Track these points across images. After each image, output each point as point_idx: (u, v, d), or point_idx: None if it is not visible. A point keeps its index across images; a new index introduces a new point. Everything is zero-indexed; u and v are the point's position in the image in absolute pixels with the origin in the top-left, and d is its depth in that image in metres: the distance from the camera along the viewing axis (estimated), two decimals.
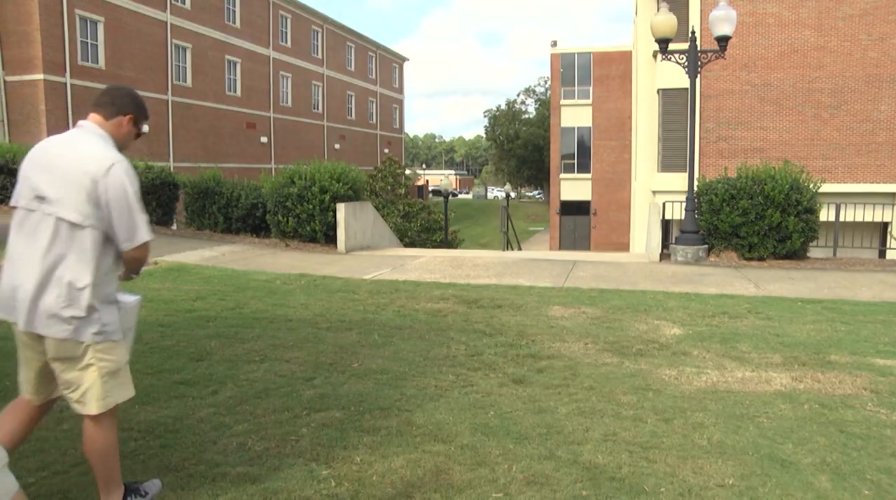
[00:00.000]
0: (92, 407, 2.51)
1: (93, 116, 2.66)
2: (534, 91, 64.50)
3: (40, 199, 2.50)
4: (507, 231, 24.15)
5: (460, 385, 4.22)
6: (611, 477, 2.95)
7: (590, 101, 35.27)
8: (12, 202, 2.63)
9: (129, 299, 2.73)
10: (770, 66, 18.86)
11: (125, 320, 2.65)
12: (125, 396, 2.63)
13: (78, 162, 2.48)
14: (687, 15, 18.15)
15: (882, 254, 13.84)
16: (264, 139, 35.54)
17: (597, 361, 4.80)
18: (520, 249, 27.55)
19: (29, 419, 2.67)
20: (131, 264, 2.67)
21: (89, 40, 24.47)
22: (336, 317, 6.12)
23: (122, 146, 2.69)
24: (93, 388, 2.50)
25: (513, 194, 57.90)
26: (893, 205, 15.99)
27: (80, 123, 2.66)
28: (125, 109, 2.71)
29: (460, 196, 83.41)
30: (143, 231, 2.56)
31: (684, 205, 10.42)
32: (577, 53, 35.68)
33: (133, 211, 2.53)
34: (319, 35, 41.62)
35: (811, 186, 10.01)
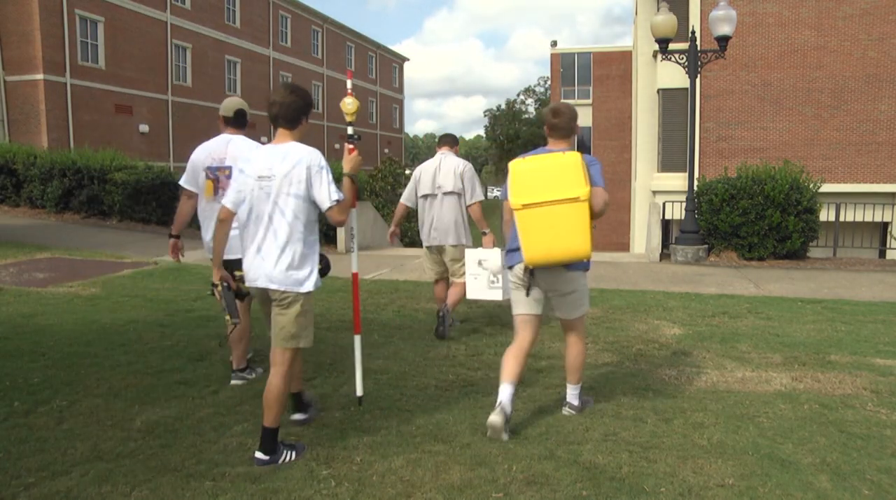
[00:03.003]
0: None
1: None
2: (534, 91, 64.48)
3: None
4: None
5: (460, 385, 4.22)
6: (611, 477, 2.95)
7: (590, 101, 35.26)
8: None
9: None
10: (770, 66, 18.86)
11: None
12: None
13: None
14: (687, 15, 18.14)
15: (882, 254, 13.84)
16: (265, 139, 35.37)
17: (597, 361, 4.81)
18: None
19: None
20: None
21: (89, 40, 24.47)
22: (336, 317, 6.12)
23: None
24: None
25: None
26: (893, 205, 15.99)
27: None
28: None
29: None
30: None
31: (684, 205, 10.42)
32: (577, 53, 35.69)
33: None
34: (319, 35, 41.63)
35: (811, 186, 10.02)
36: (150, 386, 4.11)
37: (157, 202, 12.93)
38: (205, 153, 4.36)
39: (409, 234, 14.30)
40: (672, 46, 10.54)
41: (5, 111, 23.04)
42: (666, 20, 10.27)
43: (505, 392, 3.43)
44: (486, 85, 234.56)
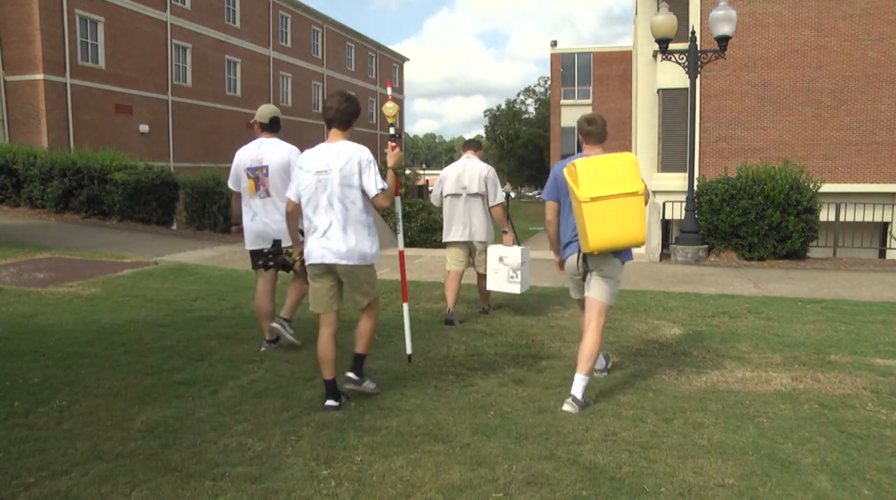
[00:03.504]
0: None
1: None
2: (534, 91, 64.49)
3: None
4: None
5: (460, 385, 4.22)
6: (611, 477, 2.95)
7: (590, 101, 35.27)
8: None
9: None
10: (770, 66, 18.85)
11: None
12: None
13: None
14: (687, 15, 18.14)
15: (882, 254, 13.83)
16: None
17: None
18: None
19: None
20: None
21: (89, 40, 24.46)
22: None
23: None
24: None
25: (513, 194, 57.90)
26: (893, 205, 15.98)
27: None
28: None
29: None
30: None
31: (684, 205, 10.42)
32: (577, 53, 35.71)
33: None
34: (319, 35, 41.62)
35: (811, 186, 10.01)
36: (150, 386, 4.11)
37: (157, 202, 12.92)
38: (244, 157, 5.00)
39: (408, 233, 14.31)
40: (672, 46, 10.54)
41: (5, 111, 23.04)
42: (666, 20, 10.27)
43: (578, 383, 3.88)
44: (486, 85, 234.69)
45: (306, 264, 3.95)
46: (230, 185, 5.16)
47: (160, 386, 4.11)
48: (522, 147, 59.06)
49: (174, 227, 13.29)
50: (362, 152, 3.83)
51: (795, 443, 3.35)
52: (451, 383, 4.27)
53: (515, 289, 6.03)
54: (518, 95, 67.42)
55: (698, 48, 10.34)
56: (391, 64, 54.29)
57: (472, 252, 6.22)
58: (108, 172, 13.04)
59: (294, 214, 4.02)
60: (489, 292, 6.31)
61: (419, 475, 2.97)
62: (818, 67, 18.60)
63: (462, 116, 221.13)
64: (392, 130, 4.47)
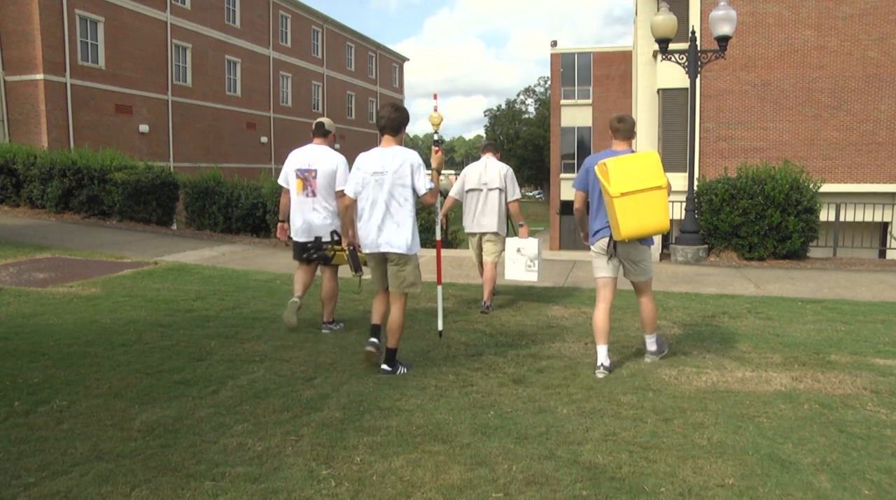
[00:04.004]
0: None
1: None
2: (534, 91, 64.49)
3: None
4: (507, 232, 24.12)
5: (460, 385, 4.22)
6: (611, 477, 2.95)
7: (590, 101, 35.25)
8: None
9: None
10: (770, 66, 18.86)
11: None
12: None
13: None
14: (687, 15, 18.14)
15: (882, 254, 13.84)
16: (264, 139, 35.52)
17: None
18: None
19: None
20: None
21: (89, 40, 24.46)
22: (336, 317, 6.12)
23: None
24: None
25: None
26: (893, 205, 15.99)
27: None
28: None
29: None
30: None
31: (684, 205, 10.42)
32: (578, 53, 35.66)
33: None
34: (319, 35, 41.61)
35: (811, 186, 10.01)
36: (150, 386, 4.11)
37: (157, 202, 12.91)
38: (296, 159, 5.58)
39: None
40: (672, 46, 10.54)
41: (5, 111, 23.04)
42: (666, 20, 10.27)
43: (602, 353, 4.51)
44: (487, 85, 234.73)
45: (362, 250, 4.61)
46: (279, 182, 5.73)
47: (160, 386, 4.11)
48: (522, 147, 59.05)
49: (174, 227, 13.28)
50: (413, 156, 4.44)
51: (795, 443, 3.35)
52: (451, 383, 4.27)
53: (533, 277, 6.50)
54: (518, 95, 67.46)
55: (698, 48, 10.34)
56: (391, 64, 54.27)
57: (481, 240, 6.76)
58: (108, 172, 13.03)
59: (350, 209, 4.66)
60: (494, 282, 6.69)
61: (419, 475, 2.97)
62: (818, 67, 18.61)
63: (462, 116, 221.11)
64: (436, 136, 5.11)
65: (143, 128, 26.69)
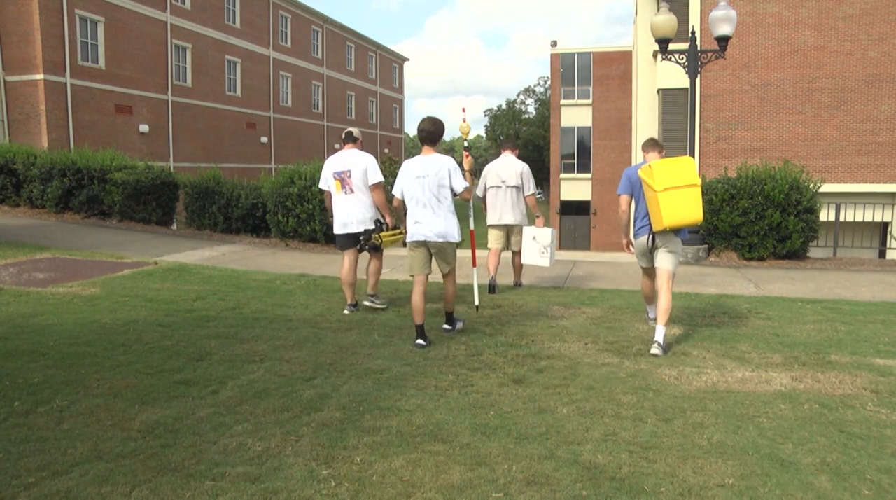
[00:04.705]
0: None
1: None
2: (534, 91, 64.52)
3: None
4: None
5: (460, 385, 4.22)
6: (611, 477, 2.95)
7: (590, 101, 35.24)
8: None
9: None
10: (770, 66, 18.86)
11: None
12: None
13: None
14: (687, 15, 18.14)
15: (882, 254, 13.84)
16: (264, 139, 35.52)
17: (597, 361, 4.81)
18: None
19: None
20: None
21: (89, 40, 24.45)
22: (336, 317, 6.12)
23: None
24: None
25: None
26: (893, 205, 16.00)
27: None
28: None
29: None
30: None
31: None
32: (578, 53, 35.65)
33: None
34: (319, 35, 41.61)
35: (811, 186, 10.01)
36: (150, 386, 4.11)
37: (157, 202, 12.91)
38: (332, 163, 6.40)
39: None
40: (672, 46, 10.54)
41: (5, 111, 23.03)
42: (666, 20, 10.27)
43: (660, 332, 5.09)
44: (487, 85, 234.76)
45: (408, 240, 5.44)
46: (320, 186, 6.54)
47: (160, 386, 4.11)
48: (522, 147, 58.99)
49: (174, 227, 13.28)
50: (450, 161, 5.32)
51: (795, 443, 3.35)
52: (451, 383, 4.27)
53: (545, 262, 7.23)
54: (518, 95, 67.45)
55: (698, 48, 10.33)
56: (391, 64, 54.27)
57: (509, 233, 7.48)
58: (108, 172, 13.02)
59: (399, 208, 5.65)
60: (521, 267, 7.71)
61: (419, 475, 2.97)
62: (818, 67, 18.61)
63: (462, 116, 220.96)
64: (466, 144, 6.35)
65: (143, 128, 26.68)
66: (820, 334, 5.63)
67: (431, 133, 5.34)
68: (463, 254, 7.09)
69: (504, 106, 65.12)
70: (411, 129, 53.35)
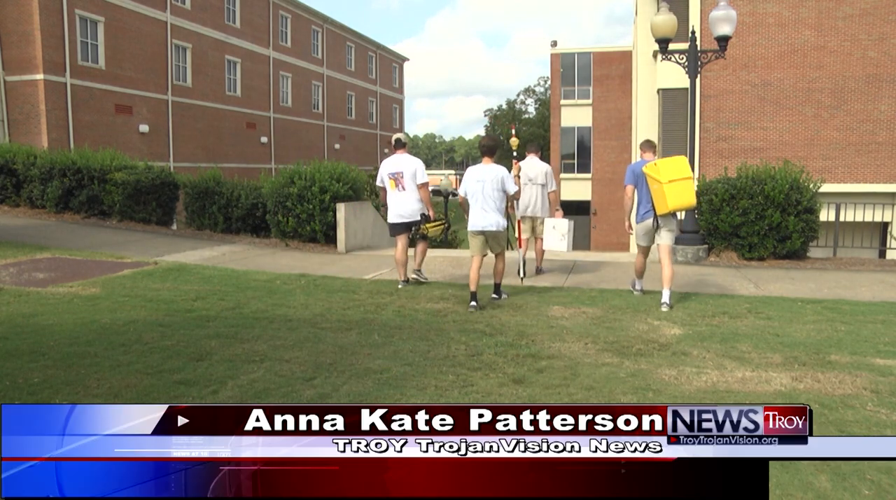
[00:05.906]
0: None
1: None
2: (534, 91, 64.47)
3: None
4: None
5: (460, 385, 4.22)
6: None
7: (590, 101, 35.23)
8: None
9: None
10: (770, 66, 18.86)
11: None
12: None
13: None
14: (687, 15, 18.15)
15: (882, 254, 13.83)
16: (264, 139, 35.51)
17: (597, 361, 4.81)
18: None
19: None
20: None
21: (89, 40, 24.44)
22: (336, 317, 6.12)
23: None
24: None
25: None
26: (893, 205, 16.00)
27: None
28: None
29: None
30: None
31: None
32: (578, 53, 35.64)
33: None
34: (319, 35, 41.61)
35: (811, 186, 10.00)
36: (150, 386, 4.11)
37: (157, 202, 12.90)
38: (387, 165, 7.78)
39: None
40: (672, 46, 10.54)
41: (5, 111, 23.03)
42: (666, 20, 10.27)
43: (666, 294, 6.62)
44: (487, 85, 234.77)
45: (469, 229, 6.89)
46: (377, 183, 7.97)
47: (160, 386, 4.11)
48: (522, 147, 59.04)
49: (174, 227, 13.28)
50: (503, 170, 6.82)
51: None
52: (451, 383, 4.27)
53: (563, 247, 8.34)
54: (518, 95, 67.39)
55: (698, 48, 10.34)
56: (391, 64, 54.27)
57: (534, 224, 8.67)
58: (108, 172, 13.02)
59: (464, 204, 6.97)
60: (543, 252, 8.82)
61: None
62: (818, 67, 18.61)
63: (462, 116, 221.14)
64: (514, 153, 7.72)
65: (143, 128, 26.68)
66: (820, 333, 5.63)
67: (490, 147, 6.89)
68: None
69: (504, 106, 65.08)
70: (411, 129, 53.41)
